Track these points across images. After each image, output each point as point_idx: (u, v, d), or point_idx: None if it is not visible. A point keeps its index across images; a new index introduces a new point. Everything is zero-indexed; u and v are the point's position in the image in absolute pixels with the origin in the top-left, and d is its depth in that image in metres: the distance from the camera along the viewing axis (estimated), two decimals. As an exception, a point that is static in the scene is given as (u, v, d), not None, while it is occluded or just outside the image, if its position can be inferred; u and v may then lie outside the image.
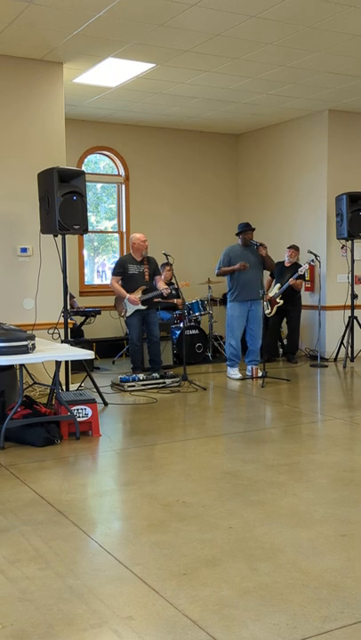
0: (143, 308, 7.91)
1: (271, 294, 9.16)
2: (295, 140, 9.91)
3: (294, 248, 9.41)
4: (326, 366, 8.89)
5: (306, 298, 9.63)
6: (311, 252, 8.86)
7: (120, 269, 7.98)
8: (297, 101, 8.87)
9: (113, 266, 8.36)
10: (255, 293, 8.07)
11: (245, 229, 8.18)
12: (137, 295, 7.84)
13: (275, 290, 9.18)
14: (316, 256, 8.85)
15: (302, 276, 9.12)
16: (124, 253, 10.19)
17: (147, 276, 7.98)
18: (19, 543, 3.39)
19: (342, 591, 2.84)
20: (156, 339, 8.11)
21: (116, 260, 8.32)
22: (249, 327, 8.17)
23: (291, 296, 9.22)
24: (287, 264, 9.33)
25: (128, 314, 7.92)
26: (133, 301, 7.81)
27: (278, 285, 9.20)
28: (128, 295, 7.82)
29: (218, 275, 8.40)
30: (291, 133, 9.99)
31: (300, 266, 9.13)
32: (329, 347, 9.33)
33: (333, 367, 8.87)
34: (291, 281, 9.05)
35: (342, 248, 9.30)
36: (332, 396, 7.27)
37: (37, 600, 2.80)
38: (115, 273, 8.03)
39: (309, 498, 4.01)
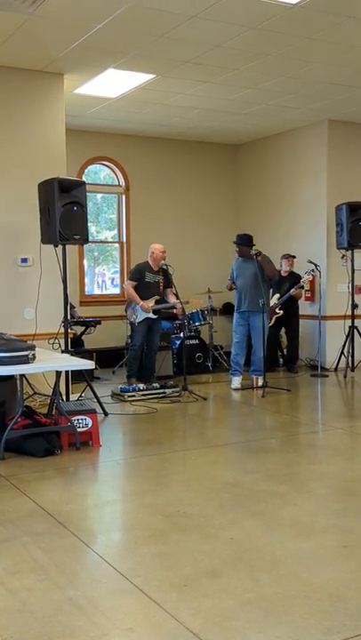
0: (154, 317, 8.00)
1: (270, 304, 9.15)
2: (295, 149, 9.94)
3: (290, 257, 9.40)
4: (327, 376, 8.88)
5: (306, 308, 9.62)
6: (311, 262, 8.86)
7: (138, 275, 8.04)
8: (297, 112, 8.91)
9: (130, 271, 8.41)
10: (251, 305, 8.05)
11: (237, 242, 8.17)
12: (150, 304, 7.91)
13: (273, 300, 9.17)
14: (316, 266, 8.85)
15: (302, 286, 9.12)
16: (124, 263, 10.23)
17: (161, 287, 8.06)
18: (19, 554, 3.37)
19: (345, 603, 2.82)
20: (156, 347, 8.22)
21: (134, 265, 8.35)
22: (250, 338, 8.18)
23: (289, 306, 9.21)
24: (284, 273, 9.33)
25: (138, 320, 7.97)
26: (146, 310, 7.87)
27: (277, 295, 9.19)
28: (142, 303, 7.87)
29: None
30: (291, 143, 10.01)
31: (298, 274, 9.13)
32: (329, 356, 9.32)
33: (334, 377, 8.85)
34: (292, 291, 9.05)
35: (342, 258, 9.29)
36: (332, 406, 7.25)
37: (37, 612, 2.78)
38: (132, 278, 8.10)
39: (311, 508, 3.99)
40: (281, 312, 9.13)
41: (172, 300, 8.08)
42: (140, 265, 8.21)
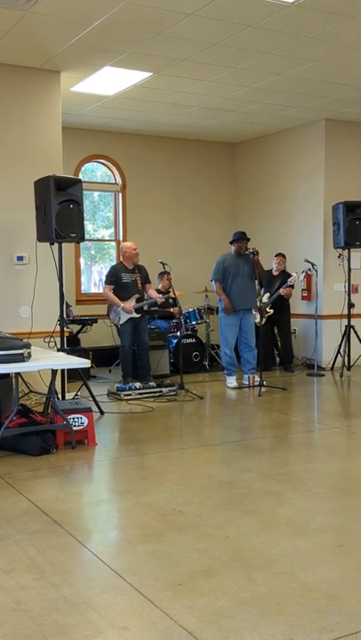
0: (137, 316, 7.95)
1: (260, 304, 9.11)
2: (292, 149, 9.94)
3: (282, 256, 9.40)
4: (323, 375, 8.88)
5: (303, 307, 9.62)
6: (308, 261, 8.85)
7: (113, 278, 8.00)
8: (294, 111, 8.90)
9: (106, 274, 8.34)
10: (248, 303, 8.05)
11: (240, 238, 8.14)
12: (131, 304, 7.87)
13: (264, 299, 9.13)
14: (312, 265, 8.85)
15: (290, 285, 9.07)
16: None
17: (139, 285, 8.02)
18: (13, 553, 3.36)
19: (339, 602, 2.81)
20: (146, 346, 8.15)
21: (109, 268, 8.34)
22: (243, 337, 8.14)
23: (280, 305, 9.18)
24: (275, 272, 9.32)
25: (122, 322, 7.94)
26: (128, 310, 7.83)
27: (268, 295, 9.17)
28: (122, 304, 7.83)
29: (215, 289, 8.31)
30: (288, 142, 10.01)
31: (289, 274, 9.12)
32: (326, 356, 9.32)
33: (330, 376, 8.85)
34: (281, 291, 9.03)
35: (339, 257, 9.30)
36: (328, 405, 7.25)
37: (32, 610, 2.77)
38: (108, 282, 8.05)
39: (307, 507, 3.99)
40: (271, 311, 9.11)
41: (153, 295, 8.06)
42: (115, 267, 8.20)
